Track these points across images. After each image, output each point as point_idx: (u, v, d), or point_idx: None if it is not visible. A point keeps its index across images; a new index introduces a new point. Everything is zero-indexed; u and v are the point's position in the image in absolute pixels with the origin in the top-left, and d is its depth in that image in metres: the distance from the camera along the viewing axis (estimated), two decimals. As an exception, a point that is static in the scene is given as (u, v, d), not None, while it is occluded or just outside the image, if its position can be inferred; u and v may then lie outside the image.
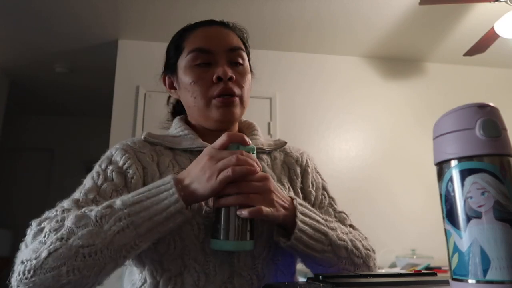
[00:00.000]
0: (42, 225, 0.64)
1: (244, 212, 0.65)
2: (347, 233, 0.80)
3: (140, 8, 2.83)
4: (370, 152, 3.34)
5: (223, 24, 0.92)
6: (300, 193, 0.90)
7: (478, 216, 0.45)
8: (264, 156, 0.91)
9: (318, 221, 0.75)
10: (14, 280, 0.60)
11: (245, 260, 0.76)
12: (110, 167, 0.79)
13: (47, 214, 0.68)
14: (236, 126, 0.93)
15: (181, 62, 0.89)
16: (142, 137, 0.87)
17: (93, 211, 0.62)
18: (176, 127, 0.90)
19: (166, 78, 0.96)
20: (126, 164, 0.79)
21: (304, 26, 3.08)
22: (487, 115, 0.47)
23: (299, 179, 0.92)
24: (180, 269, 0.73)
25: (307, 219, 0.73)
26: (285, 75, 3.42)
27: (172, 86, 0.95)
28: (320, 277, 0.62)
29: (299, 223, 0.71)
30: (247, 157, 0.67)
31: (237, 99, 0.84)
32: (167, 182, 0.65)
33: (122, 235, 0.60)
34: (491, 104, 0.49)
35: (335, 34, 3.20)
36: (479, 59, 3.30)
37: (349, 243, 0.77)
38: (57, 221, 0.62)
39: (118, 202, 0.63)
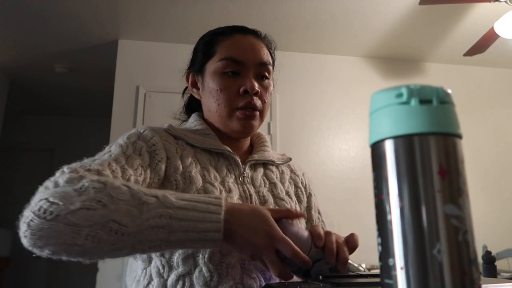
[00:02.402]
0: (81, 174, 0.61)
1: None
2: None
3: (140, 8, 2.83)
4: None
5: (255, 34, 0.93)
6: (305, 214, 0.96)
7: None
8: (274, 169, 0.96)
9: None
10: (28, 212, 0.57)
11: (256, 263, 0.77)
12: (140, 143, 0.79)
13: (78, 164, 0.66)
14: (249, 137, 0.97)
15: (210, 66, 0.89)
16: (165, 127, 0.87)
17: (141, 192, 0.60)
18: (196, 124, 0.92)
19: (190, 76, 0.96)
20: (155, 146, 0.80)
21: (304, 26, 3.08)
22: None
23: (305, 200, 0.98)
24: (190, 268, 0.74)
25: None
26: (285, 75, 3.41)
27: (195, 85, 0.95)
28: (320, 277, 0.62)
29: None
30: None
31: (258, 113, 0.88)
32: (217, 204, 0.62)
33: (155, 232, 0.58)
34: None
35: (335, 34, 3.20)
36: (479, 59, 3.30)
37: None
38: (99, 181, 0.60)
39: (169, 197, 0.61)
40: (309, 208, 0.98)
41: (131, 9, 2.83)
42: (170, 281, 0.74)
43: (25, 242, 0.58)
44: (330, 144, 3.32)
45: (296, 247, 0.62)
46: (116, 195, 0.58)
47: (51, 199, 0.57)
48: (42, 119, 5.03)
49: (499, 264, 1.67)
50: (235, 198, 0.81)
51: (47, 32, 3.09)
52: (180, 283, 0.73)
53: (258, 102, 0.86)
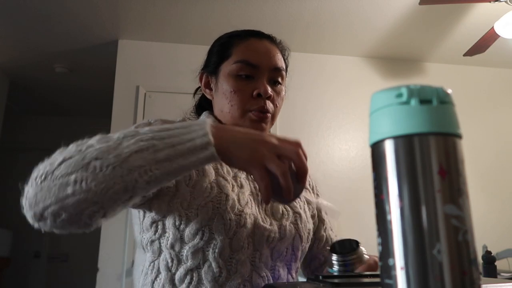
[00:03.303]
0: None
1: None
2: None
3: (140, 8, 2.83)
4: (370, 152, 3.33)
5: (271, 40, 0.95)
6: (316, 214, 0.98)
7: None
8: None
9: None
10: (27, 185, 0.58)
11: (266, 261, 0.78)
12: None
13: None
14: None
15: (225, 67, 0.90)
16: (178, 120, 0.89)
17: (118, 132, 0.59)
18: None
19: (204, 76, 0.97)
20: None
21: (304, 26, 3.08)
22: None
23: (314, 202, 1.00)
24: (199, 262, 0.74)
25: None
26: (285, 75, 3.41)
27: (208, 86, 0.96)
28: (320, 277, 0.62)
29: None
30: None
31: (269, 116, 0.89)
32: (202, 121, 0.59)
33: (139, 156, 0.55)
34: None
35: (335, 34, 3.20)
36: (479, 59, 3.30)
37: None
38: (81, 140, 0.61)
39: (145, 128, 0.60)
40: (318, 209, 1.00)
41: (131, 9, 2.83)
42: (178, 275, 0.74)
43: (28, 216, 0.58)
44: (330, 144, 3.32)
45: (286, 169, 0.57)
46: (95, 141, 0.58)
47: (40, 167, 0.59)
48: (42, 119, 5.02)
49: (499, 264, 1.67)
50: (246, 194, 0.82)
51: (47, 32, 3.09)
52: (188, 277, 0.74)
53: (270, 106, 0.88)
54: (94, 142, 0.58)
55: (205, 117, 0.95)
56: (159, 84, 3.15)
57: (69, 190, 0.54)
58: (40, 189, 0.56)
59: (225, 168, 0.84)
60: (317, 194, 1.03)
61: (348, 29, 3.13)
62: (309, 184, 1.02)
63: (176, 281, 0.74)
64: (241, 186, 0.83)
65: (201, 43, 3.18)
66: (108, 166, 0.54)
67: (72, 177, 0.55)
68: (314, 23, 3.05)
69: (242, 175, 0.86)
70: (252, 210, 0.80)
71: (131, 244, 2.82)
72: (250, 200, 0.82)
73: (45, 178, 0.56)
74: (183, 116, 1.04)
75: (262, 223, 0.79)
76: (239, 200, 0.79)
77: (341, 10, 2.89)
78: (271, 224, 0.81)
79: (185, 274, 0.74)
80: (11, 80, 3.97)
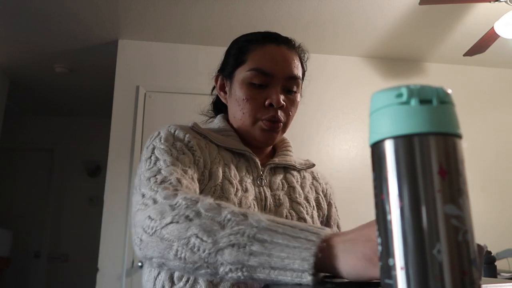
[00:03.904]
0: (176, 192, 0.65)
1: None
2: None
3: (140, 8, 2.83)
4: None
5: (289, 44, 0.92)
6: (324, 221, 0.97)
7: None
8: (295, 173, 0.96)
9: None
10: (139, 228, 0.63)
11: None
12: (178, 143, 0.80)
13: (153, 179, 0.69)
14: None
15: (239, 74, 0.89)
16: (190, 126, 0.89)
17: (227, 208, 0.58)
18: (220, 125, 0.93)
19: (219, 79, 0.97)
20: (190, 143, 0.82)
21: (304, 26, 3.08)
22: None
23: (325, 207, 0.97)
24: None
25: None
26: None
27: (222, 89, 0.96)
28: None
29: None
30: None
31: (281, 125, 0.89)
32: (313, 235, 0.51)
33: (234, 251, 0.52)
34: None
35: (335, 34, 3.20)
36: (479, 59, 3.30)
37: None
38: (192, 199, 0.62)
39: (258, 215, 0.55)
40: (328, 217, 0.98)
41: (131, 9, 2.83)
42: (176, 274, 0.76)
43: (139, 253, 0.65)
44: (330, 144, 3.32)
45: None
46: (204, 210, 0.59)
47: (151, 216, 0.63)
48: (42, 119, 5.02)
49: (499, 264, 1.67)
50: (250, 199, 0.82)
51: (47, 32, 3.09)
52: (186, 276, 0.75)
53: (282, 115, 0.88)
54: (203, 211, 0.59)
55: (218, 121, 0.95)
56: (159, 84, 3.15)
57: (171, 255, 0.59)
58: (150, 241, 0.61)
59: (233, 171, 0.84)
60: (330, 203, 1.00)
61: (348, 29, 3.13)
62: (323, 191, 0.99)
63: (175, 279, 0.76)
64: (246, 190, 0.83)
65: (201, 43, 3.18)
66: (204, 251, 0.55)
67: (175, 245, 0.58)
68: (314, 23, 3.05)
69: (248, 180, 0.85)
70: None
71: (131, 244, 2.81)
72: (254, 204, 0.82)
73: (154, 232, 0.61)
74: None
75: None
76: (240, 204, 0.78)
77: (341, 10, 2.88)
78: None
79: (183, 273, 0.75)
80: (11, 80, 3.97)
